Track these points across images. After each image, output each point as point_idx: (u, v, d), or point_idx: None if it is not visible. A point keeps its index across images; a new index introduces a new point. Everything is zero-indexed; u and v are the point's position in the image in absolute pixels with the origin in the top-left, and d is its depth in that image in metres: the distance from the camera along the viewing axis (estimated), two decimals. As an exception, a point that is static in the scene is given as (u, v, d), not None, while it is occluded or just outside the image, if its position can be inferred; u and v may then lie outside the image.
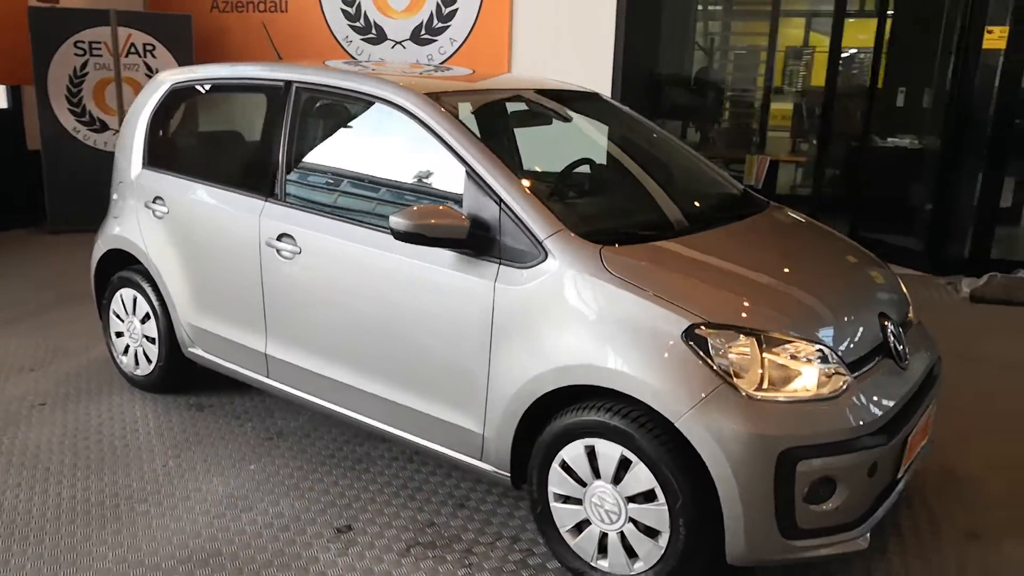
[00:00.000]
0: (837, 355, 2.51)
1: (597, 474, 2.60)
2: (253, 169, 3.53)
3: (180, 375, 4.08)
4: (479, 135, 2.97)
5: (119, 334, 4.23)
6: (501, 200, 2.75)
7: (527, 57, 7.54)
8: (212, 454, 3.56)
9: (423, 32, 7.82)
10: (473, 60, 7.65)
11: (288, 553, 2.86)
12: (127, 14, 7.74)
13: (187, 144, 3.90)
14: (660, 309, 2.47)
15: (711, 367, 2.39)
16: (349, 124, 3.44)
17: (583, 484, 2.64)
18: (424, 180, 3.05)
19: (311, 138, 3.39)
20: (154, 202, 3.87)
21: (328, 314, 3.21)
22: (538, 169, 3.89)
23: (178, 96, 3.96)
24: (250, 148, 3.60)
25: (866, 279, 3.08)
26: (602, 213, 2.97)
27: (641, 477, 2.49)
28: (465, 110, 3.18)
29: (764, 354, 2.42)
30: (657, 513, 2.49)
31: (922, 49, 7.54)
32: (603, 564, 2.65)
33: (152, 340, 4.03)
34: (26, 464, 3.44)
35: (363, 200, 3.19)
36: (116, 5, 7.69)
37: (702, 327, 2.43)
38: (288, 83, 3.42)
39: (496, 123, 3.66)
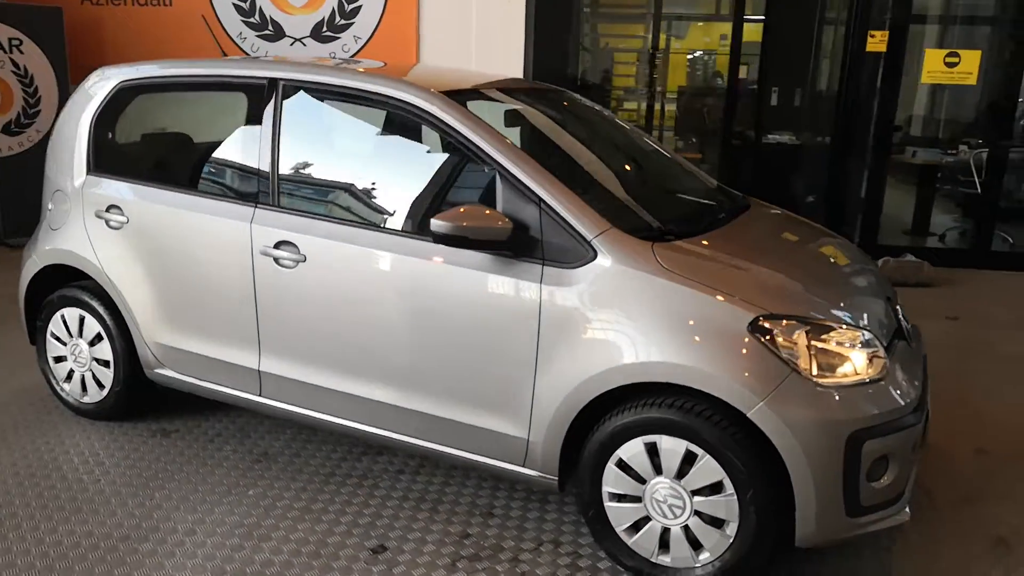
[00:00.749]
0: (878, 339, 2.64)
1: (658, 470, 2.61)
2: (234, 174, 3.28)
3: (138, 400, 3.73)
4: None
5: (59, 359, 3.81)
6: (541, 200, 2.70)
7: (436, 56, 7.44)
8: (199, 482, 3.28)
9: (324, 29, 7.54)
10: (379, 58, 7.45)
11: (330, 581, 2.69)
12: (-11, 5, 6.98)
13: (146, 148, 3.56)
14: (723, 303, 2.52)
15: (779, 357, 2.45)
16: (351, 124, 3.26)
17: (642, 481, 2.65)
18: (450, 182, 2.95)
19: (305, 140, 3.18)
20: (108, 211, 3.51)
21: (341, 325, 3.03)
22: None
23: (127, 95, 3.61)
24: (226, 151, 3.33)
25: (867, 266, 3.26)
26: (630, 211, 2.98)
27: (709, 470, 2.53)
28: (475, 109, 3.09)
29: (822, 342, 2.52)
30: (726, 504, 2.53)
31: (805, 51, 8.07)
32: (665, 559, 2.67)
33: (105, 363, 3.66)
34: (-15, 512, 3.04)
35: (381, 204, 3.03)
36: (-25, -5, 6.92)
37: (766, 318, 2.49)
38: (273, 81, 3.20)
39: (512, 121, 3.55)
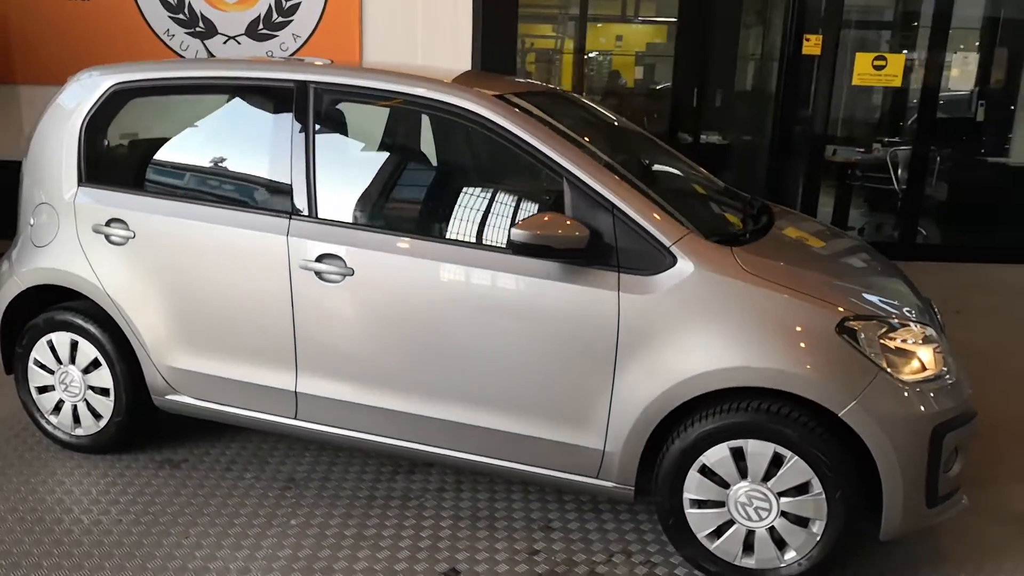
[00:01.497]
0: (937, 335, 2.75)
1: (743, 474, 2.63)
2: (261, 183, 3.07)
3: (141, 430, 3.45)
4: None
5: (44, 389, 3.47)
6: (614, 207, 2.66)
7: (380, 53, 7.23)
8: (232, 515, 3.06)
9: (261, 27, 7.19)
10: (322, 55, 7.18)
11: (413, 611, 2.57)
12: None
13: (150, 156, 3.27)
14: (810, 305, 2.56)
15: (867, 357, 2.51)
16: (394, 129, 3.12)
17: (726, 486, 2.65)
18: (511, 189, 2.86)
19: (344, 146, 3.02)
20: (108, 225, 3.22)
21: (393, 340, 2.89)
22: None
23: (122, 99, 3.31)
24: (248, 159, 3.12)
25: (894, 266, 3.39)
26: (696, 216, 2.95)
27: (797, 471, 2.56)
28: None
29: (897, 340, 2.60)
30: (814, 503, 2.57)
31: (740, 55, 8.35)
32: (749, 562, 2.69)
33: (103, 391, 3.36)
34: None
35: (436, 213, 2.91)
36: None
37: (851, 319, 2.55)
38: (303, 84, 3.01)
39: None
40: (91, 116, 3.30)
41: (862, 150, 9.07)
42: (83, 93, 3.33)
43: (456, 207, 2.89)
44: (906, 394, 2.52)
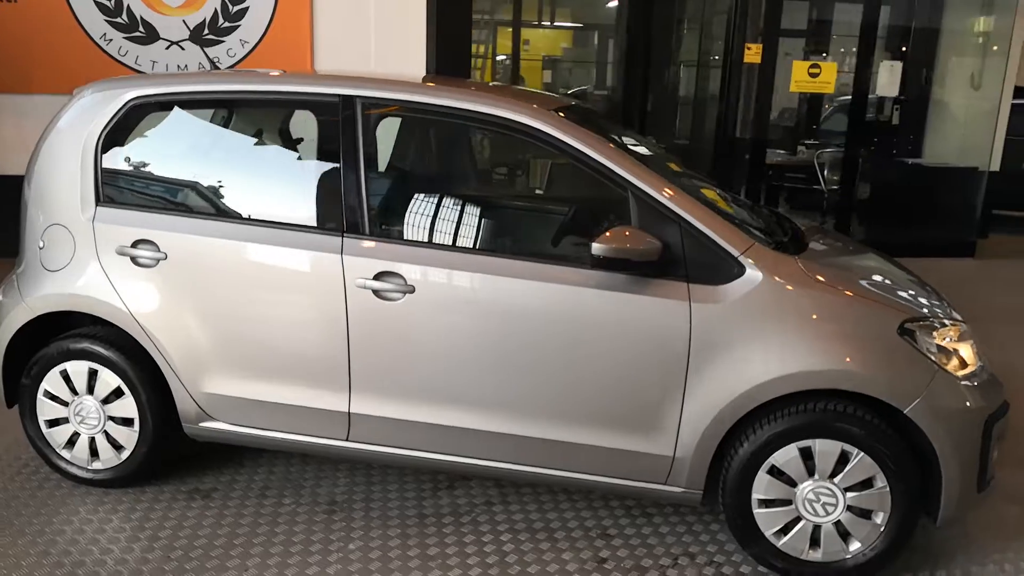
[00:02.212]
0: (969, 332, 2.96)
1: (811, 472, 2.75)
2: (307, 199, 2.99)
3: (164, 460, 3.29)
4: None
5: (55, 422, 3.25)
6: (681, 219, 2.73)
7: (332, 60, 7.09)
8: (285, 543, 2.96)
9: (206, 32, 6.92)
10: (270, 63, 6.98)
11: (506, 628, 2.56)
12: None
13: (182, 173, 3.11)
14: (874, 308, 2.71)
15: (926, 356, 2.68)
16: (450, 144, 3.08)
17: (793, 484, 2.77)
18: (572, 203, 2.89)
19: (396, 161, 2.97)
20: (135, 247, 3.05)
21: (457, 357, 2.87)
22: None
23: (141, 114, 3.15)
24: (291, 175, 3.02)
25: (907, 268, 3.59)
26: (753, 226, 3.03)
27: (863, 467, 2.70)
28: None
29: (946, 339, 2.78)
30: (879, 496, 2.71)
31: (691, 61, 8.62)
32: (815, 555, 2.81)
33: (126, 421, 3.18)
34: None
35: (499, 228, 2.90)
36: None
37: (910, 321, 2.71)
38: (349, 99, 2.94)
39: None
40: (107, 132, 3.12)
41: (791, 153, 9.53)
42: (96, 108, 3.14)
43: (517, 221, 2.89)
44: (960, 389, 2.70)
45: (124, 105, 3.12)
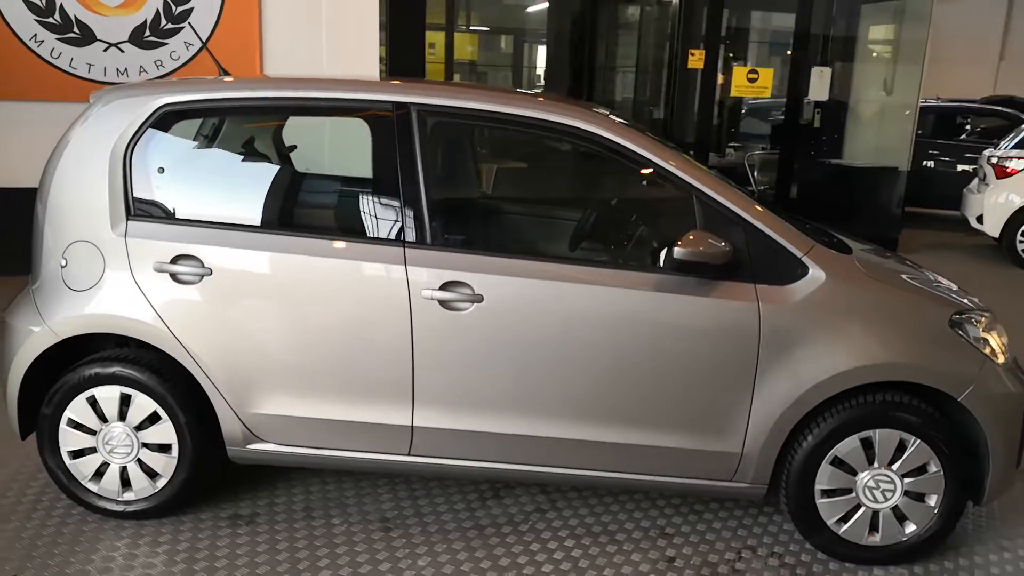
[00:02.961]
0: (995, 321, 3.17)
1: (871, 461, 2.88)
2: (362, 210, 2.91)
3: (200, 486, 3.13)
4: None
5: (79, 452, 3.03)
6: (746, 223, 2.82)
7: (283, 63, 6.87)
8: (349, 564, 2.87)
9: (147, 33, 6.58)
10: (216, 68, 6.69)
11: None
12: None
13: (224, 184, 2.94)
14: (928, 303, 2.87)
15: (974, 346, 2.86)
16: (512, 152, 3.04)
17: (854, 473, 2.90)
18: (637, 209, 2.92)
19: (456, 169, 2.93)
20: (175, 262, 2.88)
21: (526, 365, 2.85)
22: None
23: (171, 121, 2.98)
24: (341, 185, 2.93)
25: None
26: (806, 227, 3.13)
27: (920, 453, 2.85)
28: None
29: (982, 329, 2.97)
30: (933, 480, 2.88)
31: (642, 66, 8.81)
32: (874, 539, 2.95)
33: (163, 448, 3.01)
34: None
35: (563, 235, 2.90)
36: None
37: (958, 313, 2.88)
38: (403, 105, 2.88)
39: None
40: (136, 141, 2.94)
41: (720, 155, 9.89)
42: (121, 116, 2.95)
43: (582, 227, 2.91)
44: (1002, 376, 2.89)
45: (154, 112, 2.94)
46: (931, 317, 2.87)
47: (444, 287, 2.81)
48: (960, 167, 10.50)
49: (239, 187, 3.00)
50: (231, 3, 6.67)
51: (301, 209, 2.96)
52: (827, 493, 2.92)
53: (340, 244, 2.87)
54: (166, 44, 6.65)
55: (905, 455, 2.87)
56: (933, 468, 2.87)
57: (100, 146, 2.94)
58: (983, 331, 2.98)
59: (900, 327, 2.83)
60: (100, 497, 3.07)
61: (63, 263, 2.96)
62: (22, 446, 3.25)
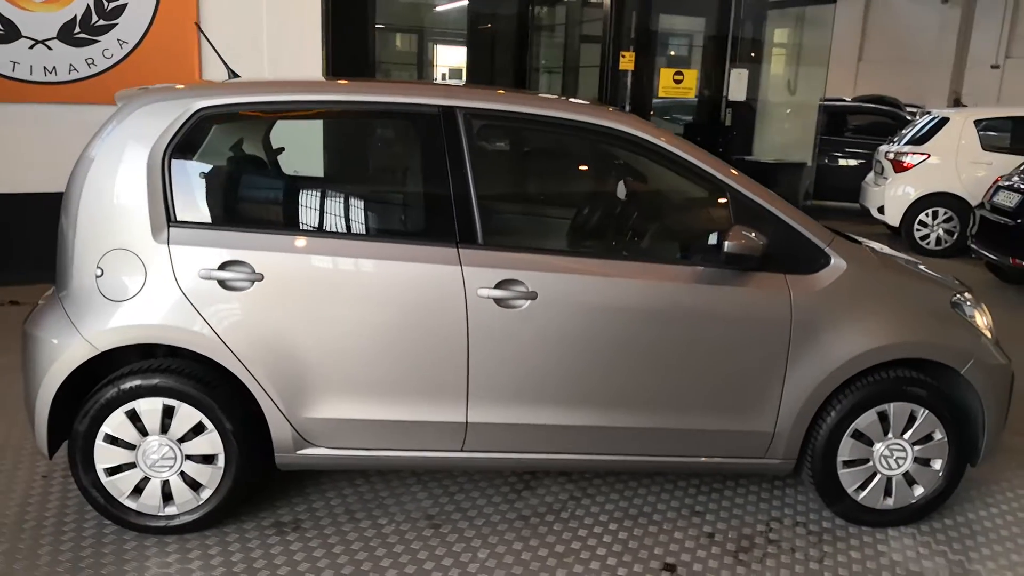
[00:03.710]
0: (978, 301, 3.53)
1: (886, 432, 3.17)
2: (413, 212, 2.95)
3: (243, 496, 3.08)
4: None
5: (116, 469, 2.93)
6: (775, 217, 3.04)
7: (219, 62, 6.67)
8: (415, 562, 2.91)
9: (77, 30, 6.25)
10: (154, 66, 6.44)
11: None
12: None
13: (271, 188, 2.89)
14: (933, 286, 3.18)
15: (971, 324, 3.19)
16: (557, 154, 3.14)
17: (871, 444, 3.17)
18: (676, 206, 3.08)
19: (503, 171, 3.01)
20: (223, 269, 2.83)
21: (581, 358, 2.97)
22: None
23: (210, 124, 2.91)
24: (395, 188, 2.96)
25: None
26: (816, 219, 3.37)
27: (928, 423, 3.16)
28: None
29: (973, 307, 3.32)
30: (938, 446, 3.19)
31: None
32: (888, 503, 3.24)
33: (207, 459, 2.95)
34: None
35: (609, 232, 3.03)
36: None
37: (956, 294, 3.21)
38: (449, 109, 2.93)
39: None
40: (174, 145, 2.86)
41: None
42: (155, 120, 2.86)
43: (626, 223, 3.05)
44: (992, 349, 3.24)
45: (192, 116, 2.87)
46: (936, 299, 3.18)
47: (499, 285, 2.89)
48: (843, 162, 11.31)
49: (286, 191, 2.97)
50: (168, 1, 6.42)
51: (351, 211, 2.97)
52: (848, 464, 3.19)
53: (394, 246, 2.90)
54: (98, 41, 6.34)
55: (915, 425, 3.16)
56: (938, 435, 3.18)
57: (135, 151, 2.85)
58: (973, 309, 3.32)
59: (913, 309, 3.13)
60: (140, 514, 2.97)
61: (98, 273, 2.85)
62: (20, 462, 3.10)
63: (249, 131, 3.01)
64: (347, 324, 2.90)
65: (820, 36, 9.37)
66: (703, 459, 3.16)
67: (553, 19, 9.77)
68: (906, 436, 3.17)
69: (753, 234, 2.89)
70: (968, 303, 3.28)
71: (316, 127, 3.06)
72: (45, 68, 6.22)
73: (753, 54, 9.68)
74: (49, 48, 6.23)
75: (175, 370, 2.89)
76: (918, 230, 8.98)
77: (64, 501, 3.21)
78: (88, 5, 6.25)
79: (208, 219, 2.90)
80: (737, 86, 8.70)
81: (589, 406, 3.03)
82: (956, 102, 19.74)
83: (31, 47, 6.17)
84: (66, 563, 2.82)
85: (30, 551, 2.87)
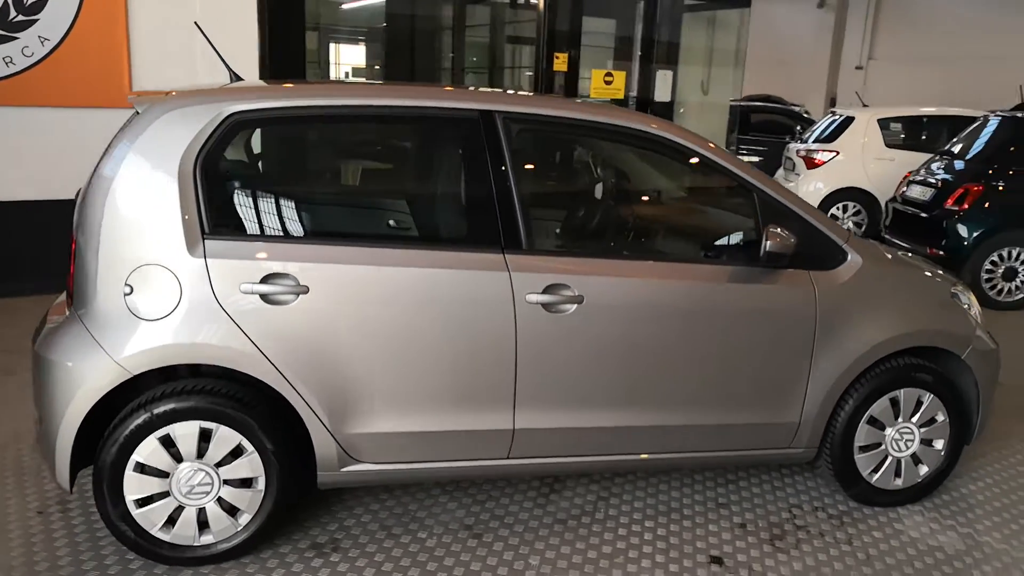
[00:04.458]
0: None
1: (896, 417, 3.36)
2: (459, 218, 2.90)
3: (281, 518, 2.94)
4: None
5: (146, 500, 2.74)
6: (799, 217, 3.17)
7: (153, 61, 6.31)
8: (467, 574, 2.86)
9: (-7, 26, 5.77)
10: (79, 64, 6.03)
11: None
12: None
13: (312, 197, 2.74)
14: (935, 278, 3.39)
15: (968, 312, 3.42)
16: (596, 158, 3.13)
17: (883, 429, 3.36)
18: (712, 210, 3.16)
19: (544, 175, 3.00)
20: (265, 282, 2.69)
21: (629, 359, 3.00)
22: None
23: (242, 130, 2.76)
24: (436, 195, 2.89)
25: None
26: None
27: (934, 407, 3.37)
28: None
29: (965, 296, 3.57)
30: (941, 428, 3.41)
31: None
32: (898, 483, 3.43)
33: (245, 482, 2.80)
34: None
35: (650, 235, 3.07)
36: None
37: (954, 285, 3.44)
38: (488, 114, 2.90)
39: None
40: (206, 153, 2.70)
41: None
42: (182, 127, 2.69)
43: (667, 226, 3.10)
44: (984, 335, 3.49)
45: (223, 122, 2.72)
46: (940, 290, 3.40)
47: (547, 290, 2.88)
48: (747, 159, 11.86)
49: (327, 199, 2.85)
50: (92, -4, 6.02)
51: (396, 219, 2.88)
52: (863, 449, 3.36)
53: (440, 253, 2.84)
54: (17, 38, 5.87)
55: (922, 409, 3.37)
56: (941, 417, 3.40)
57: (163, 161, 2.67)
58: (968, 298, 3.57)
59: (922, 300, 3.34)
60: (174, 546, 2.79)
61: (127, 291, 2.65)
62: (6, 499, 2.86)
63: (282, 136, 2.87)
64: (395, 334, 2.82)
65: (735, 39, 9.76)
66: (737, 452, 3.26)
67: (483, 18, 9.77)
68: (914, 419, 3.38)
69: (787, 233, 3.00)
70: (962, 293, 3.52)
71: (358, 132, 2.94)
72: (-40, 67, 5.72)
73: (666, 55, 9.98)
74: (-38, 44, 5.72)
75: (211, 391, 2.73)
76: (830, 223, 9.50)
77: (72, 538, 2.98)
78: (6, 0, 5.78)
79: (246, 230, 2.76)
80: (662, 87, 8.94)
81: (634, 406, 3.06)
82: (832, 102, 20.97)
83: (-58, 44, 5.65)
84: (100, 604, 2.63)
85: (56, 595, 2.66)
